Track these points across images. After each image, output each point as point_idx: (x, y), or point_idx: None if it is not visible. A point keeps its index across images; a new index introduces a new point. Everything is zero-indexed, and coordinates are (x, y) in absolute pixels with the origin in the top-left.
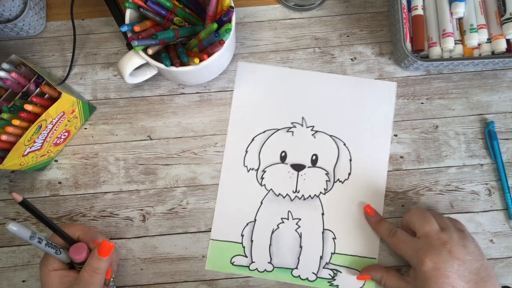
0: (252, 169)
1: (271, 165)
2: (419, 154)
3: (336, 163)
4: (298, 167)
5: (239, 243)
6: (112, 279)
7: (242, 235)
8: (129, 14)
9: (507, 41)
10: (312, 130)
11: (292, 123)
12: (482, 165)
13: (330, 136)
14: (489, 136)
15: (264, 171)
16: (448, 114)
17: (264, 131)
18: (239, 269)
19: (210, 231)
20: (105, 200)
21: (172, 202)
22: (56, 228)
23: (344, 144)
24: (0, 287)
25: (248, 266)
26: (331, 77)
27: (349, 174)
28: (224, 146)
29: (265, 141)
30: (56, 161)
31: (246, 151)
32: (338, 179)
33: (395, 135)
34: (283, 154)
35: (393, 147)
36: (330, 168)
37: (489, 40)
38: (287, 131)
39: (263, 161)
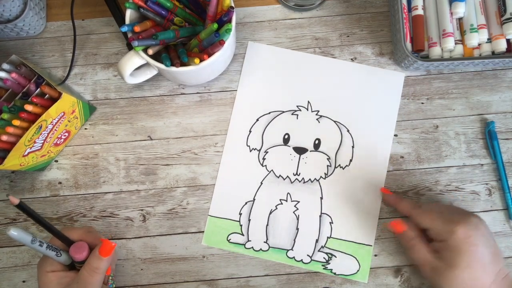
0: (255, 149)
1: (273, 146)
2: (419, 154)
3: (338, 148)
4: (300, 150)
5: (236, 221)
6: (111, 277)
7: (240, 214)
8: (129, 14)
9: (507, 41)
10: (316, 114)
11: (297, 106)
12: (482, 165)
13: (334, 121)
14: (489, 136)
15: (266, 152)
16: (448, 114)
17: (269, 113)
18: (234, 247)
19: None
20: (106, 200)
21: (173, 202)
22: (55, 230)
23: (348, 131)
24: (0, 287)
25: (244, 244)
26: (339, 63)
27: (351, 160)
28: (224, 146)
29: (269, 123)
30: (56, 161)
31: (250, 131)
32: (339, 165)
33: (395, 135)
34: (286, 136)
35: (393, 147)
36: (332, 153)
37: (489, 40)
38: (292, 114)
39: (266, 142)
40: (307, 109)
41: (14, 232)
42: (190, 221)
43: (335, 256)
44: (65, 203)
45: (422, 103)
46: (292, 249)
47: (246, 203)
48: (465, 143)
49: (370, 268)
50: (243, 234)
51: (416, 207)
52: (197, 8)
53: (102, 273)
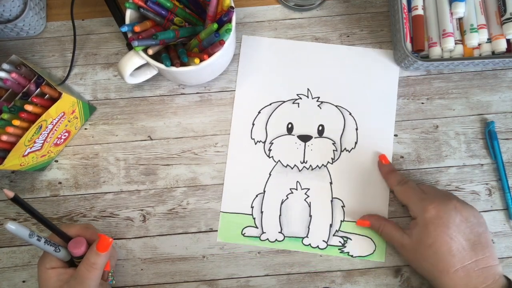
0: (260, 141)
1: (278, 136)
2: (419, 154)
3: (342, 132)
4: (305, 138)
5: (249, 214)
6: (111, 274)
7: (252, 207)
8: (129, 14)
9: (507, 41)
10: (317, 101)
11: (297, 94)
12: (482, 165)
13: (336, 106)
14: (489, 136)
15: (271, 143)
16: (448, 114)
17: (270, 104)
18: (250, 240)
19: (211, 231)
20: (106, 200)
21: (173, 202)
22: (52, 226)
23: (350, 114)
24: (0, 287)
25: (259, 237)
26: (334, 48)
27: (356, 143)
28: (224, 146)
29: (272, 114)
30: (56, 161)
31: (253, 124)
32: (345, 148)
33: (396, 135)
34: (289, 125)
35: (394, 147)
36: (336, 138)
37: (489, 40)
38: (293, 102)
39: (270, 133)
40: (308, 97)
41: (11, 226)
42: (190, 221)
43: (351, 239)
44: (65, 203)
45: (422, 103)
46: (307, 237)
47: (256, 195)
48: (465, 143)
49: (370, 268)
50: (257, 227)
51: (401, 183)
52: (197, 8)
53: (99, 269)
